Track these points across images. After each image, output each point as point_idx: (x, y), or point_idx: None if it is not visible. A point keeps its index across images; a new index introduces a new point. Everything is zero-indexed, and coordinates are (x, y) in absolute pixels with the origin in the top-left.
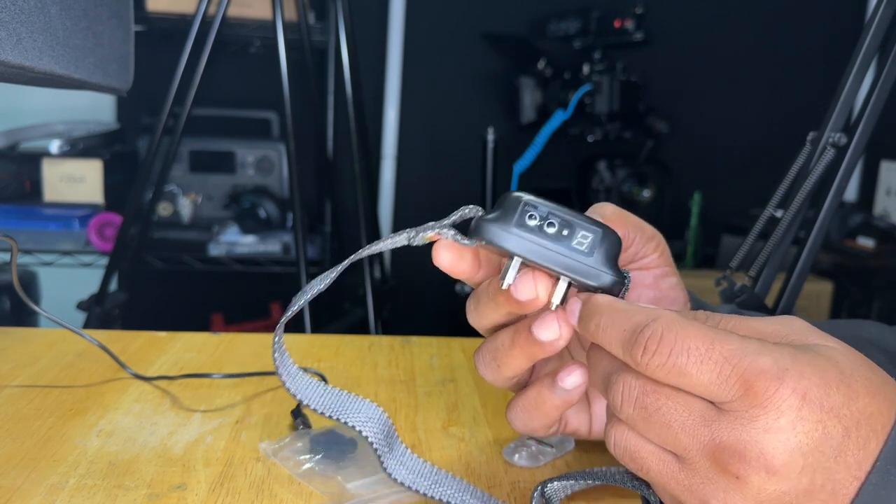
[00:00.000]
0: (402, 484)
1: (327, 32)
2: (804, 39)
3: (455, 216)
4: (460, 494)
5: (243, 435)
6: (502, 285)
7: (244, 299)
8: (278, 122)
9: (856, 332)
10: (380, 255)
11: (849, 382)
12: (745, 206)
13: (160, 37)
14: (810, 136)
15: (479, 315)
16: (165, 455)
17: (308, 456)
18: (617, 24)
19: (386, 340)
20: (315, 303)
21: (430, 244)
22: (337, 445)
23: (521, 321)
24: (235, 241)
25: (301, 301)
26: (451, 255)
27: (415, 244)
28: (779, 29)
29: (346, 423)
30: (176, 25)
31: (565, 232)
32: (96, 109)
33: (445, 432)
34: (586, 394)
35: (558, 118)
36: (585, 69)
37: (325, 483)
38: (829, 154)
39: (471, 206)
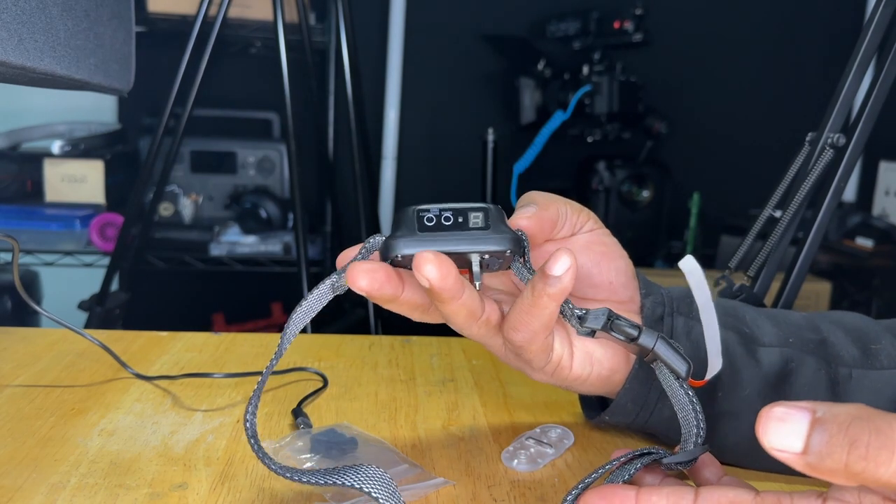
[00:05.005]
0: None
1: (328, 33)
2: (804, 39)
3: (363, 250)
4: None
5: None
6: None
7: (245, 299)
8: (279, 122)
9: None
10: None
11: None
12: (745, 207)
13: (161, 38)
14: (809, 136)
15: (458, 317)
16: (167, 454)
17: (309, 455)
18: (616, 24)
19: (386, 340)
20: None
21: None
22: (337, 445)
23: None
24: (236, 241)
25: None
26: (367, 274)
27: (341, 291)
28: (778, 29)
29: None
30: (177, 26)
31: (460, 219)
32: (98, 110)
33: (445, 432)
34: (567, 332)
35: (558, 119)
36: (585, 70)
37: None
38: (828, 154)
39: (374, 236)
